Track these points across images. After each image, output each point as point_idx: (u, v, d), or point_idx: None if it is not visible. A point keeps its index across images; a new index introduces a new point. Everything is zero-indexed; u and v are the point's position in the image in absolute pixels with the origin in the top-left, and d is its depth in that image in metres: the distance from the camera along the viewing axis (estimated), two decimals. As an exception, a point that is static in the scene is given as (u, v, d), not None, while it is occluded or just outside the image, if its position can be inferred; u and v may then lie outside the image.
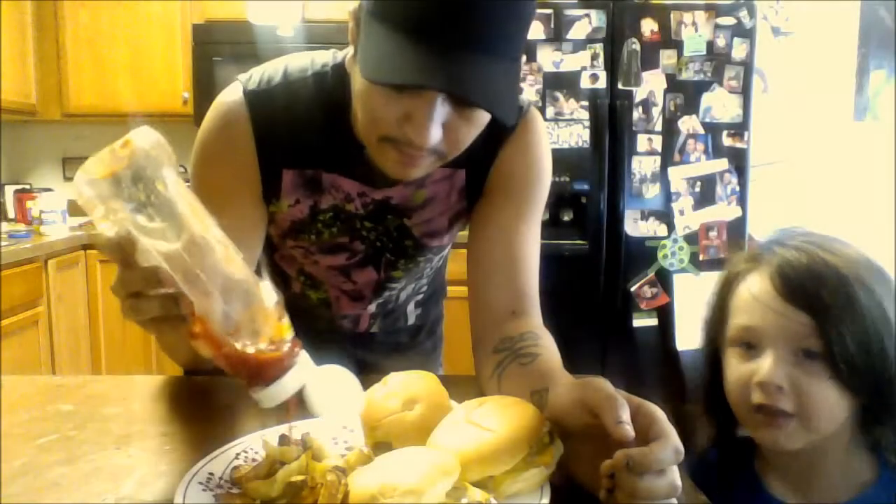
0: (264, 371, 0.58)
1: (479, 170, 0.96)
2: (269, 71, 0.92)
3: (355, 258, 1.02)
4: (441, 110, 0.74)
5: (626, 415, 0.56)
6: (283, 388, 0.58)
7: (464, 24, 0.68)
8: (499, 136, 0.94)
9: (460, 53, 0.69)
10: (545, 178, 0.98)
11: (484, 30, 0.69)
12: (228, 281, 0.56)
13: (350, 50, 0.84)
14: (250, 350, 0.57)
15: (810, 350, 0.79)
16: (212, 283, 0.55)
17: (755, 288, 0.85)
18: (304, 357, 0.60)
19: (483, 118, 0.79)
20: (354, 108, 0.84)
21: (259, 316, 0.57)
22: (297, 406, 0.63)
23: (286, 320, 0.59)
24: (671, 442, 0.56)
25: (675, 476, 0.57)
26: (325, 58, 0.92)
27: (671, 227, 2.77)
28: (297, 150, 0.91)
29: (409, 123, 0.74)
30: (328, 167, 0.93)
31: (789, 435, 0.80)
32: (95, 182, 0.53)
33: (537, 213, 0.98)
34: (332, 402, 0.65)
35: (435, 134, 0.75)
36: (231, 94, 0.91)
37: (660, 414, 0.58)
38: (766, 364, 0.80)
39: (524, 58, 0.80)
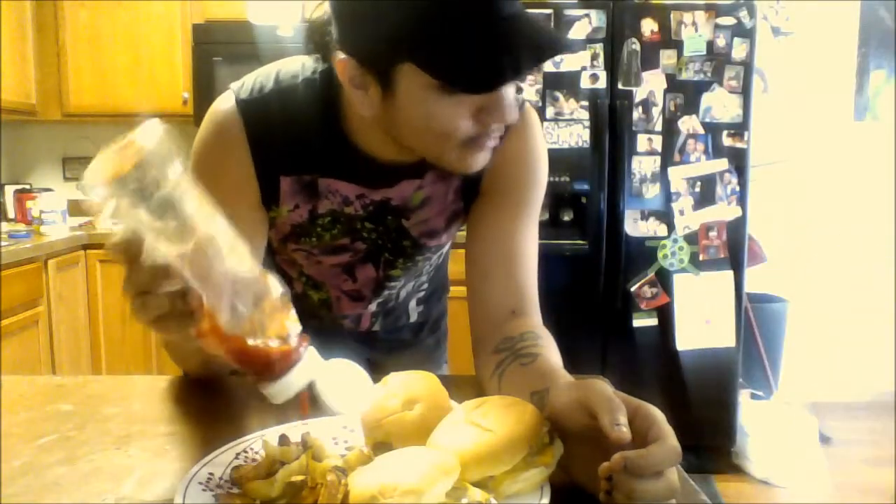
0: (273, 365, 0.58)
1: None
2: (261, 78, 0.91)
3: (357, 256, 1.02)
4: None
5: (622, 417, 0.56)
6: (293, 381, 0.59)
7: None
8: None
9: (531, 36, 0.72)
10: (542, 176, 0.98)
11: None
12: (236, 277, 0.56)
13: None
14: (259, 345, 0.57)
15: None
16: (220, 280, 0.55)
17: None
18: (312, 351, 0.60)
19: None
20: (346, 111, 0.84)
21: (267, 310, 0.57)
22: (310, 401, 0.64)
23: (293, 313, 0.59)
24: (669, 444, 0.56)
25: (673, 478, 0.57)
26: (315, 62, 0.92)
27: (671, 227, 2.77)
28: (292, 156, 0.91)
29: (490, 112, 0.76)
30: (324, 172, 0.93)
31: None
32: (104, 183, 0.53)
33: (534, 211, 0.98)
34: (342, 394, 0.65)
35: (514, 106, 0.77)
36: (224, 103, 0.91)
37: (659, 416, 0.58)
38: None
39: None
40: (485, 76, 0.72)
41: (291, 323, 0.59)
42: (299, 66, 0.92)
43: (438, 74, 0.72)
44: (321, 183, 0.93)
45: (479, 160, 0.82)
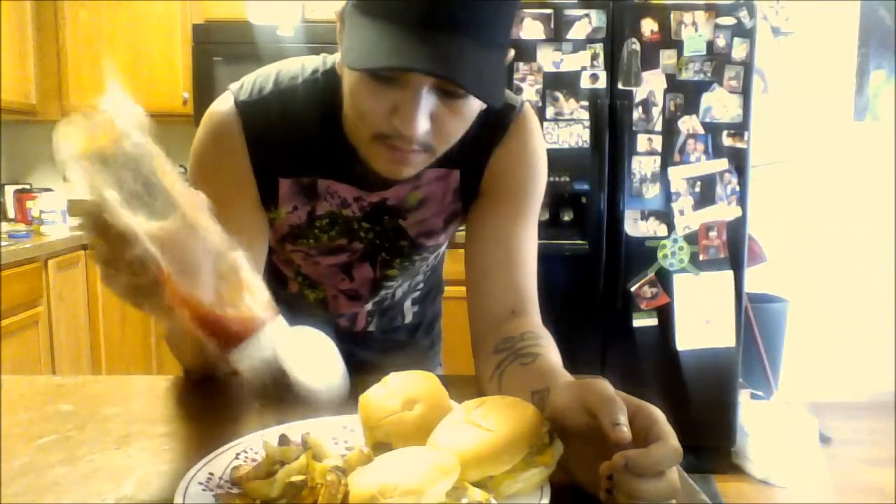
0: (237, 332, 0.57)
1: (474, 170, 0.96)
2: (261, 80, 0.91)
3: (355, 256, 1.03)
4: (428, 100, 0.74)
5: (623, 417, 0.56)
6: (256, 347, 0.58)
7: (446, 8, 0.68)
8: (493, 135, 0.94)
9: (443, 37, 0.68)
10: (541, 177, 0.98)
11: (466, 14, 0.69)
12: (204, 252, 0.56)
13: (339, 53, 0.85)
14: (222, 311, 0.56)
15: None
16: (188, 248, 0.55)
17: None
18: (279, 320, 0.60)
19: (471, 110, 0.79)
20: (345, 110, 0.84)
21: (232, 277, 0.57)
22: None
23: (259, 281, 0.59)
24: (670, 443, 0.56)
25: (674, 477, 0.57)
26: (315, 63, 0.92)
27: (671, 227, 2.77)
28: (291, 158, 0.91)
29: (397, 115, 0.74)
30: (323, 174, 0.93)
31: None
32: (75, 153, 0.53)
33: (534, 212, 0.98)
34: (307, 363, 0.64)
35: (423, 124, 0.74)
36: (222, 105, 0.90)
37: (660, 415, 0.58)
38: None
39: (512, 52, 0.80)
40: (363, 56, 0.71)
41: (257, 290, 0.59)
42: (299, 67, 0.92)
43: (343, 48, 0.73)
44: (321, 184, 0.93)
45: (396, 167, 0.81)
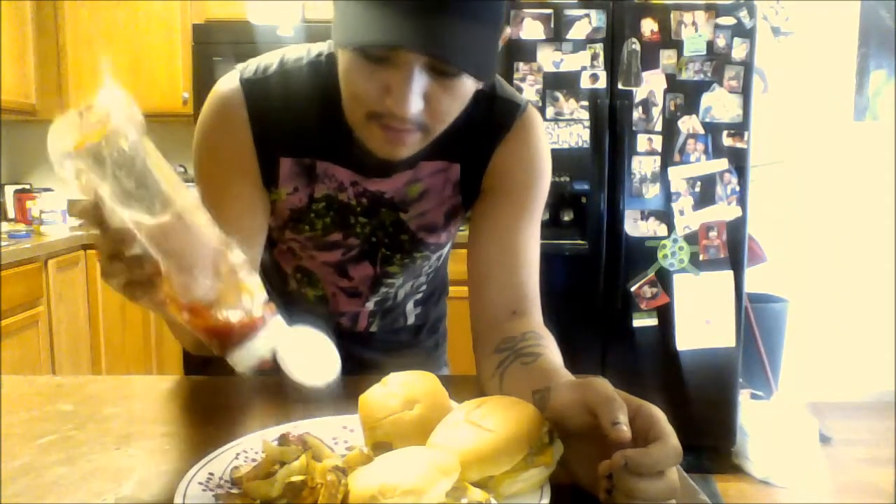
0: (235, 333, 0.57)
1: (475, 166, 0.96)
2: (266, 60, 0.93)
3: (350, 253, 1.02)
4: (420, 79, 0.74)
5: (623, 416, 0.56)
6: (254, 348, 0.58)
7: None
8: (496, 132, 0.94)
9: (432, 15, 0.68)
10: (544, 177, 0.98)
11: None
12: (200, 248, 0.56)
13: None
14: (219, 312, 0.57)
15: None
16: (182, 248, 0.55)
17: None
18: (277, 319, 0.60)
19: (465, 89, 0.79)
20: (342, 92, 0.84)
21: (229, 278, 0.57)
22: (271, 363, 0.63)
23: (257, 281, 0.59)
24: (670, 443, 0.56)
25: (673, 477, 0.57)
26: (320, 47, 0.94)
27: (671, 227, 2.77)
28: (292, 137, 0.92)
29: (390, 94, 0.74)
30: (322, 155, 0.93)
31: None
32: (67, 150, 0.53)
33: (537, 212, 0.98)
34: (305, 363, 0.64)
35: (415, 103, 0.74)
36: (228, 83, 0.91)
37: (660, 415, 0.58)
38: None
39: (508, 30, 0.80)
40: (353, 35, 0.71)
41: (255, 291, 0.59)
42: (305, 50, 0.94)
43: (335, 29, 0.72)
44: (319, 166, 0.94)
45: (391, 147, 0.81)
